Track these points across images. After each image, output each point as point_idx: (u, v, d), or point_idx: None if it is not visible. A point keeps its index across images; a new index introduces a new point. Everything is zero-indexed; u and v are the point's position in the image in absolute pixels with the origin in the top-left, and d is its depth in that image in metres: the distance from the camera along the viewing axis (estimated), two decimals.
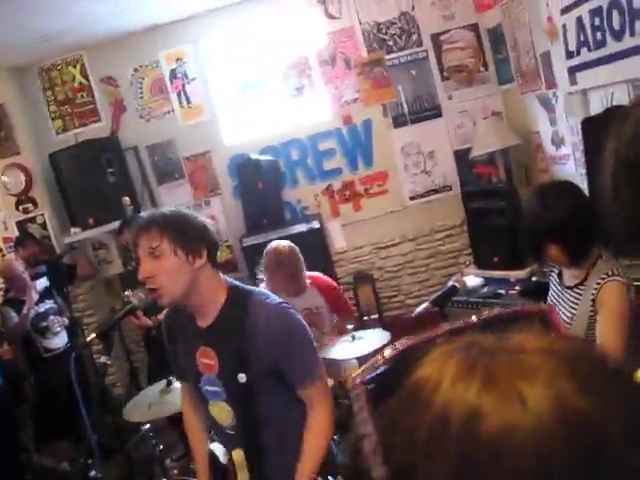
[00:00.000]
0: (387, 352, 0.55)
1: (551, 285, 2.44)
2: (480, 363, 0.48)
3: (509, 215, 4.29)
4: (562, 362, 0.47)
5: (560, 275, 2.36)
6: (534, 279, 3.93)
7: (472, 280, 4.35)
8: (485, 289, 4.19)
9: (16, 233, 5.43)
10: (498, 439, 0.43)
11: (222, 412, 1.96)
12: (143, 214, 1.98)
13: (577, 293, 2.21)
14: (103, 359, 1.92)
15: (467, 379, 0.47)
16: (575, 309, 2.21)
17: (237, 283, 1.99)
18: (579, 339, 0.51)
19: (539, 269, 3.73)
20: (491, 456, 0.43)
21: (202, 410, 2.08)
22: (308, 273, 3.79)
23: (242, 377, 1.84)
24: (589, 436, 0.43)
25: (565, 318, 2.23)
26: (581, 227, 2.09)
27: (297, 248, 3.67)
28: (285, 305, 1.94)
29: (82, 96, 5.67)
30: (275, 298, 1.96)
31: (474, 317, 0.58)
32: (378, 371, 0.54)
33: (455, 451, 0.44)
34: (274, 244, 3.69)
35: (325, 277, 4.03)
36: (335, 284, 4.16)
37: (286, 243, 3.69)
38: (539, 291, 3.03)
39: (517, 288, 4.02)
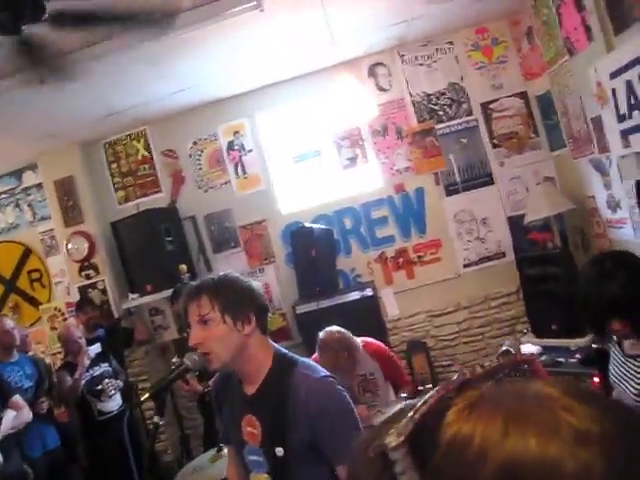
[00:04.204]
0: (411, 415, 0.53)
1: (612, 354, 2.31)
2: (522, 413, 0.47)
3: (566, 281, 4.18)
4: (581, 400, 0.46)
5: (620, 343, 2.23)
6: (595, 346, 3.78)
7: (529, 348, 4.22)
8: (543, 357, 4.05)
9: (77, 298, 5.64)
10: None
11: None
12: (192, 283, 2.01)
13: None
14: (155, 419, 1.91)
15: (517, 430, 0.45)
16: None
17: (284, 351, 1.95)
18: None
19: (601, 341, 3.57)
20: None
21: (245, 479, 2.03)
22: (359, 338, 3.74)
23: (280, 451, 1.79)
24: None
25: (632, 389, 2.10)
26: None
27: (347, 334, 3.56)
28: (329, 378, 1.87)
29: (144, 168, 5.95)
30: (320, 370, 1.90)
31: (478, 367, 0.57)
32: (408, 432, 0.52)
33: None
34: (322, 333, 3.58)
35: (377, 342, 3.96)
36: (387, 350, 4.05)
37: (335, 331, 3.57)
38: (601, 359, 2.90)
39: (577, 356, 3.87)
